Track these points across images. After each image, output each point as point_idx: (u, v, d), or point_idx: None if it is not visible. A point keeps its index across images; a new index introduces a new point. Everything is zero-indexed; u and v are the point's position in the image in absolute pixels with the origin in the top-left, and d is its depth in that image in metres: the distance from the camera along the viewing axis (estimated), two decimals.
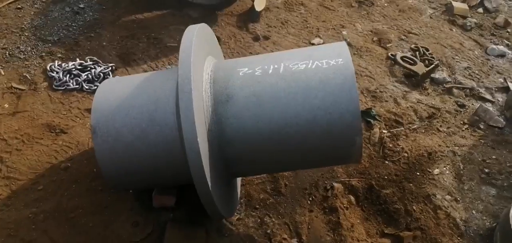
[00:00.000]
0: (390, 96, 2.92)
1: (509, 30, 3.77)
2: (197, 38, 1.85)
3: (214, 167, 1.77)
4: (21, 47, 2.81)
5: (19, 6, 3.09)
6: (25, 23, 2.98)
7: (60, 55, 2.80)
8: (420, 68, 3.07)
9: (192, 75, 1.68)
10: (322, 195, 2.32)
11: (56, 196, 2.09)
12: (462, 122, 2.82)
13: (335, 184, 2.35)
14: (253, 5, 3.40)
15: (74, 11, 3.12)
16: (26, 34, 2.91)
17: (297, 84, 1.77)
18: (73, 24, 3.03)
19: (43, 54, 2.79)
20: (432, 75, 3.12)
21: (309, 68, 1.80)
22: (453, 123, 2.80)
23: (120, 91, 1.95)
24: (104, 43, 2.94)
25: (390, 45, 3.38)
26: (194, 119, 1.61)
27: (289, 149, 1.82)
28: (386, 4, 3.90)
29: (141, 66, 2.85)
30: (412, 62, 3.16)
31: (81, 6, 3.20)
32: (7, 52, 2.77)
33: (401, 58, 3.16)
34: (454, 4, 3.97)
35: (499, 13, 4.01)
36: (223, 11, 3.40)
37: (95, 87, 2.58)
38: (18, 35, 2.89)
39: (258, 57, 1.99)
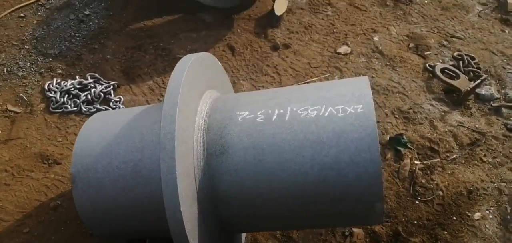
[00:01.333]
0: (426, 117, 2.53)
1: None
2: (190, 72, 1.57)
3: (206, 229, 1.51)
4: (20, 62, 2.63)
5: (21, 15, 2.91)
6: (26, 34, 2.80)
7: (60, 71, 2.61)
8: (463, 83, 2.64)
9: (178, 125, 1.40)
10: (340, 242, 2.02)
11: (42, 241, 1.90)
12: (511, 151, 2.40)
13: (355, 230, 2.03)
14: (272, 8, 3.06)
15: (79, 18, 2.91)
16: (27, 47, 2.72)
17: (305, 137, 1.45)
18: (76, 34, 2.82)
19: (43, 70, 2.61)
20: (478, 90, 2.68)
21: (321, 115, 1.48)
22: (500, 152, 2.38)
23: (105, 132, 1.71)
24: (108, 56, 2.72)
25: (429, 53, 2.95)
26: (176, 185, 1.34)
27: (295, 213, 1.53)
28: (426, 1, 3.43)
29: (146, 82, 2.60)
30: (453, 74, 2.74)
31: (87, 12, 2.98)
32: (5, 69, 2.60)
33: (441, 70, 2.74)
34: None
35: None
36: (240, 15, 3.08)
37: (94, 109, 2.37)
38: (18, 48, 2.72)
39: (262, 95, 1.69)
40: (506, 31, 3.23)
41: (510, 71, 2.88)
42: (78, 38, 2.80)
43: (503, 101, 2.65)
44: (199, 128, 1.56)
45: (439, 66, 2.76)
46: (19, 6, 2.92)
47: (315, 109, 1.50)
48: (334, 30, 3.07)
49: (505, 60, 2.95)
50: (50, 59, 2.67)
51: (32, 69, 2.60)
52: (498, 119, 2.54)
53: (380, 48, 2.95)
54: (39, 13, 2.96)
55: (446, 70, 2.75)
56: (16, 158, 2.18)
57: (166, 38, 2.88)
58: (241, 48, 2.86)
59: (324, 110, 1.49)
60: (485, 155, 2.37)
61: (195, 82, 1.62)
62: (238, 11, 3.07)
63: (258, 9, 3.10)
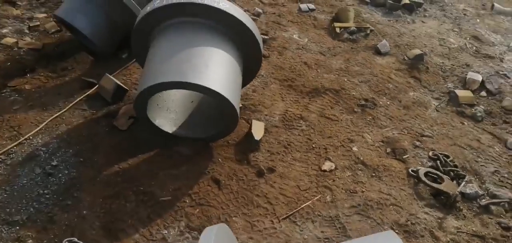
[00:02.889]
0: (425, 228, 2.53)
1: None
2: None
3: None
4: None
5: None
6: None
7: (31, 241, 2.30)
8: (449, 186, 2.72)
9: None
10: None
11: None
12: None
13: None
14: (250, 131, 3.03)
15: (46, 172, 2.66)
16: None
17: None
18: (45, 191, 2.55)
19: None
20: (462, 189, 2.77)
21: None
22: None
23: None
24: (84, 212, 2.47)
25: (406, 156, 3.04)
26: None
27: None
28: (388, 102, 3.61)
29: (132, 237, 2.37)
30: (436, 177, 2.81)
31: (54, 163, 2.73)
32: None
33: (425, 174, 2.81)
34: (458, 92, 3.73)
35: (503, 94, 3.79)
36: (218, 142, 3.00)
37: None
38: None
39: None
40: (465, 123, 3.45)
41: (482, 164, 3.03)
42: (47, 196, 2.53)
43: (487, 197, 2.75)
44: None
45: (421, 170, 2.83)
46: None
47: None
48: (313, 145, 3.08)
49: (474, 153, 3.12)
50: (17, 227, 2.36)
51: None
52: (490, 218, 2.61)
53: (361, 158, 2.99)
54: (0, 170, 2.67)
55: (429, 174, 2.82)
56: None
57: (146, 180, 2.70)
58: (226, 180, 2.74)
59: None
60: None
61: None
62: (215, 139, 2.99)
63: (234, 133, 3.05)
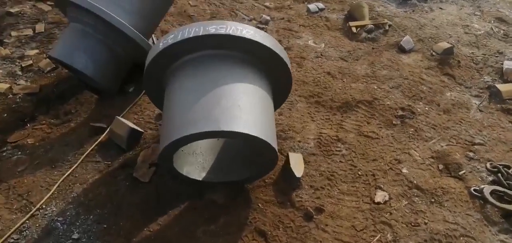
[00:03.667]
0: None
1: None
2: None
3: None
4: None
5: None
6: None
7: None
8: None
9: None
10: None
11: None
12: None
13: None
14: (287, 165, 2.71)
15: None
16: None
17: None
18: None
19: None
20: None
21: None
22: None
23: None
24: None
25: (463, 172, 2.74)
26: None
27: None
28: (426, 108, 3.30)
29: None
30: (502, 194, 2.52)
31: (75, 236, 2.40)
32: None
33: (491, 194, 2.51)
34: (500, 87, 3.44)
35: None
36: (254, 184, 2.67)
37: None
38: None
39: None
40: None
41: None
42: None
43: None
44: None
45: (486, 189, 2.54)
46: None
47: None
48: (359, 173, 2.77)
49: None
50: None
51: None
52: None
53: (415, 181, 2.68)
54: None
55: (495, 192, 2.53)
56: None
57: (183, 241, 2.37)
58: (272, 230, 2.43)
59: None
60: None
61: None
62: (250, 181, 2.66)
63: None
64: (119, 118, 3.05)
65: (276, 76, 2.58)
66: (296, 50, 3.99)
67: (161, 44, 2.46)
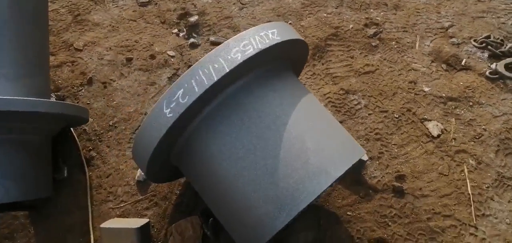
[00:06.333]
0: None
1: None
2: None
3: None
4: None
5: None
6: None
7: None
8: None
9: None
10: None
11: None
12: None
13: None
14: None
15: None
16: None
17: None
18: None
19: None
20: None
21: None
22: None
23: None
24: None
25: (464, 61, 2.79)
26: None
27: None
28: (382, 13, 3.19)
29: None
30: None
31: None
32: None
33: (506, 69, 2.65)
34: None
35: None
36: (323, 200, 2.24)
37: None
38: None
39: None
40: None
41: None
42: None
43: None
44: None
45: (499, 67, 2.66)
46: None
47: None
48: (395, 115, 2.56)
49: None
50: None
51: None
52: None
53: (443, 94, 2.63)
54: None
55: (508, 66, 2.67)
56: None
57: None
58: (384, 230, 2.10)
59: None
60: None
61: None
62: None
63: None
64: (104, 225, 2.09)
65: (294, 55, 2.05)
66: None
67: (167, 110, 1.65)
